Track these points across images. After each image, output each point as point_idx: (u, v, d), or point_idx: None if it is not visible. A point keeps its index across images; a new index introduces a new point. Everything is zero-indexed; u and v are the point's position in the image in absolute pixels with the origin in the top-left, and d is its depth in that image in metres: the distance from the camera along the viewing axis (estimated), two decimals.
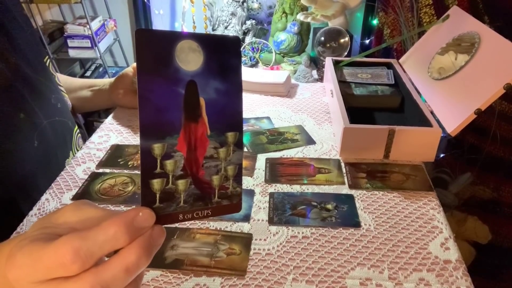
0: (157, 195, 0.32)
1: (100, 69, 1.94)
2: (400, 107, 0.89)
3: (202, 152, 0.33)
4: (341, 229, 0.59)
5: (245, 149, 0.77)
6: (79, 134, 0.84)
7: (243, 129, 0.84)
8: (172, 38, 0.30)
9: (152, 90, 0.30)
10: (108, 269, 0.29)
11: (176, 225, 0.59)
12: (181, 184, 0.33)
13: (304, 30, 1.16)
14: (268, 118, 0.89)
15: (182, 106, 0.31)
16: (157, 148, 0.31)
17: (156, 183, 0.31)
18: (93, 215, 0.31)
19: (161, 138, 0.31)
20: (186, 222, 0.59)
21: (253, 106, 0.94)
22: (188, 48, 0.30)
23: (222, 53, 0.32)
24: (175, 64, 0.30)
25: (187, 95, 0.31)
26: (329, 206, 0.63)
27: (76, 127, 0.84)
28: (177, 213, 0.33)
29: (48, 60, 0.78)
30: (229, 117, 0.34)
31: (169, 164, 0.32)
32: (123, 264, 0.29)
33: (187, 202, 0.33)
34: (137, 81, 0.29)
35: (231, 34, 1.19)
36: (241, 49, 1.15)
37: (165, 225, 0.33)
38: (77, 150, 0.80)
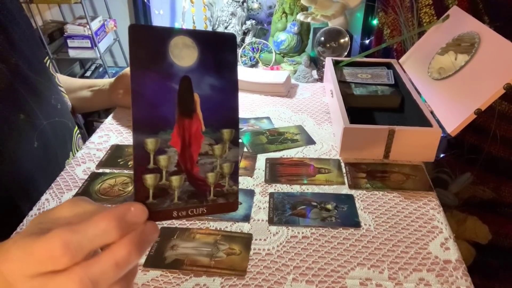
0: (151, 191, 0.32)
1: (100, 69, 1.94)
2: (400, 107, 0.89)
3: (197, 149, 0.33)
4: (341, 229, 0.59)
5: (245, 149, 0.77)
6: (79, 135, 0.84)
7: (243, 129, 0.84)
8: (166, 33, 0.30)
9: (144, 85, 0.30)
10: (98, 263, 0.29)
11: (176, 225, 0.59)
12: (175, 180, 0.33)
13: (304, 30, 1.16)
14: (268, 118, 0.89)
15: (176, 102, 0.31)
16: (150, 143, 0.31)
17: (149, 179, 0.31)
18: (88, 210, 0.32)
19: (154, 133, 0.31)
20: (186, 222, 0.59)
21: (253, 106, 0.94)
22: (182, 44, 0.30)
23: (217, 50, 0.32)
24: (169, 59, 0.30)
25: (181, 91, 0.31)
26: (329, 206, 0.63)
27: (76, 127, 0.84)
28: (171, 210, 0.33)
29: (48, 61, 0.78)
30: (224, 113, 0.34)
31: (162, 159, 0.32)
32: (113, 258, 0.29)
33: (182, 199, 0.33)
34: (130, 75, 0.29)
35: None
36: (241, 48, 1.15)
37: (161, 222, 0.33)
38: (77, 151, 0.80)
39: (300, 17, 1.10)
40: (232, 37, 0.33)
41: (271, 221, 0.60)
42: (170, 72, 0.30)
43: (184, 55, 0.31)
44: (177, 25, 1.49)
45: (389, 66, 1.00)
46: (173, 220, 0.59)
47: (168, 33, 0.30)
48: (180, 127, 0.32)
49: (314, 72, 1.10)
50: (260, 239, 0.57)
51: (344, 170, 0.71)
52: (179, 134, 0.32)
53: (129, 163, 0.73)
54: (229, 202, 0.36)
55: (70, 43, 1.75)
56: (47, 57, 0.77)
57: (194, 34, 0.31)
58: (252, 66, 1.16)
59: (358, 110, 0.83)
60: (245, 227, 0.59)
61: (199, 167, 0.34)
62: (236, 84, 0.34)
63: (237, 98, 0.34)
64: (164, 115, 0.31)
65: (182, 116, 0.32)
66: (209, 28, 1.26)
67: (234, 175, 0.35)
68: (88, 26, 1.69)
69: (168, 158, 0.32)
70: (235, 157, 0.35)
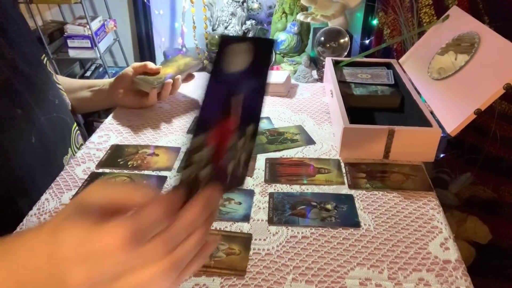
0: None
1: (100, 69, 1.94)
2: (400, 107, 0.88)
3: (228, 143, 0.36)
4: (340, 229, 0.59)
5: None
6: (78, 132, 0.84)
7: None
8: (231, 41, 0.32)
9: (212, 89, 0.32)
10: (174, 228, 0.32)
11: None
12: (206, 171, 0.35)
13: (304, 30, 1.16)
14: (268, 118, 0.89)
15: (223, 103, 0.33)
16: (196, 141, 0.33)
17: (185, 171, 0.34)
18: (142, 195, 0.33)
19: (204, 131, 0.33)
20: None
21: None
22: (241, 50, 0.32)
23: (263, 54, 0.35)
24: (226, 64, 0.32)
25: (229, 93, 0.33)
26: (329, 206, 0.63)
27: (75, 124, 0.83)
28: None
29: (46, 58, 0.78)
30: (253, 111, 0.37)
31: (199, 155, 0.34)
32: (184, 222, 0.32)
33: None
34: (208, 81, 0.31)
35: (232, 34, 1.19)
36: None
37: None
38: (76, 147, 0.80)
39: (300, 17, 1.10)
40: (272, 42, 0.37)
41: (270, 221, 0.60)
42: (224, 76, 0.32)
43: (238, 61, 0.32)
44: (177, 25, 1.49)
45: (389, 66, 1.00)
46: None
47: (230, 41, 0.32)
48: (222, 125, 0.34)
49: (314, 72, 1.10)
50: (260, 239, 0.57)
51: (344, 170, 0.71)
52: (218, 131, 0.34)
53: (129, 163, 0.73)
54: (236, 176, 0.39)
55: (70, 43, 1.75)
56: (44, 55, 0.77)
57: (250, 40, 0.33)
58: None
59: (358, 110, 0.83)
60: (244, 227, 0.59)
61: (224, 159, 0.36)
62: (267, 85, 0.37)
63: (264, 98, 0.37)
64: (214, 115, 0.33)
65: (224, 116, 0.34)
66: (209, 28, 1.26)
67: (247, 162, 0.39)
68: (88, 26, 1.68)
69: (205, 153, 0.34)
70: (251, 146, 0.38)
